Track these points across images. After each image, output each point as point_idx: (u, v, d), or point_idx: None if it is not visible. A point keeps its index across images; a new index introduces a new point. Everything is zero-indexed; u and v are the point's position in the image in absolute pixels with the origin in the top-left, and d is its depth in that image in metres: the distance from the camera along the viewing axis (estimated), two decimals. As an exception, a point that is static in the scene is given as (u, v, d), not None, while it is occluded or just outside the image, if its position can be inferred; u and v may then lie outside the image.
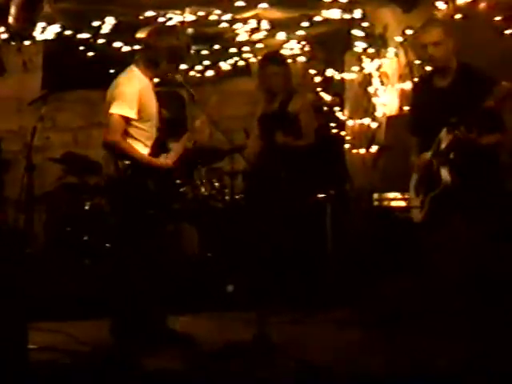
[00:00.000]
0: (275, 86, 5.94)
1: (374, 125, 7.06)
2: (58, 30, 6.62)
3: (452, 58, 4.58)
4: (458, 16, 5.76)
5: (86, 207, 6.42)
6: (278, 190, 5.78)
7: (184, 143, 4.69)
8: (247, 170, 5.42)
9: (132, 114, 4.49)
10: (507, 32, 5.37)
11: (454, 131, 4.28)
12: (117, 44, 6.97)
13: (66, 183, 6.80)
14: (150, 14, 6.35)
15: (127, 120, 4.49)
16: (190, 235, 6.35)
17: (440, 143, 4.38)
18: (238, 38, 7.09)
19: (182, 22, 6.50)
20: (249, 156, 5.92)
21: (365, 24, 6.84)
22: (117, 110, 4.48)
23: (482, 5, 5.63)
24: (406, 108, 6.59)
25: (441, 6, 5.99)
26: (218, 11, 6.44)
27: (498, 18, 5.47)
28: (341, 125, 7.46)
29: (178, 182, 5.88)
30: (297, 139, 5.90)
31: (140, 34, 4.76)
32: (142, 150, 4.55)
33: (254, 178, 5.96)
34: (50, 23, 6.50)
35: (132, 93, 4.50)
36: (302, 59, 7.48)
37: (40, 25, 6.45)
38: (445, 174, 4.37)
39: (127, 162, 4.47)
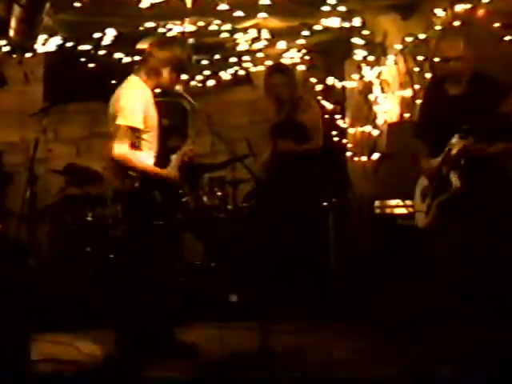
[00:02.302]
0: (282, 95, 6.00)
1: (375, 132, 7.08)
2: (59, 41, 6.64)
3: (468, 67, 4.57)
4: (456, 23, 5.78)
5: (89, 218, 6.43)
6: (284, 198, 5.81)
7: (182, 154, 4.69)
8: (254, 178, 5.45)
9: (139, 124, 4.46)
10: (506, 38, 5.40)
11: (465, 138, 4.28)
12: (118, 55, 6.99)
13: (69, 194, 6.82)
14: (150, 24, 6.37)
15: (134, 131, 4.47)
16: (193, 245, 6.36)
17: (451, 149, 4.38)
18: (239, 48, 7.11)
19: (183, 33, 6.52)
20: (262, 165, 5.98)
21: (364, 32, 6.86)
22: (124, 120, 4.43)
23: (481, 11, 5.66)
24: (407, 115, 6.61)
25: (439, 13, 6.02)
26: (217, 21, 6.46)
27: (496, 25, 5.50)
28: (342, 133, 7.48)
29: (180, 192, 5.90)
30: (306, 144, 5.95)
31: (141, 45, 4.76)
32: (147, 160, 4.55)
33: (261, 187, 5.98)
34: (50, 35, 6.53)
35: (137, 103, 4.47)
36: (302, 68, 7.50)
37: (41, 37, 6.47)
38: (455, 178, 4.36)
39: (135, 174, 4.46)
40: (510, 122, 4.35)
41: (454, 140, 4.37)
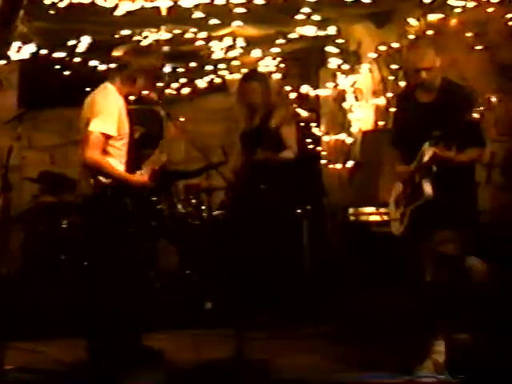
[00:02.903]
0: (256, 102, 6.02)
1: (349, 140, 7.12)
2: (34, 49, 6.62)
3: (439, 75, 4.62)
4: (429, 32, 5.84)
5: (63, 225, 6.40)
6: (258, 206, 5.82)
7: (153, 162, 4.68)
8: (228, 185, 5.45)
9: (113, 131, 4.46)
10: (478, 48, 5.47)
11: (436, 145, 4.32)
12: (93, 62, 6.98)
13: (43, 202, 6.78)
14: (125, 32, 6.37)
15: (107, 137, 4.46)
16: (168, 252, 6.35)
17: (423, 156, 4.42)
18: (214, 56, 7.12)
19: (158, 41, 6.52)
20: (231, 172, 5.99)
21: (339, 40, 6.91)
22: (97, 127, 4.43)
23: (453, 21, 5.73)
24: (381, 123, 6.67)
25: (413, 22, 6.08)
26: (193, 29, 6.47)
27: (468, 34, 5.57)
28: (317, 140, 7.51)
29: (154, 199, 5.90)
30: (279, 153, 5.96)
31: (116, 52, 4.76)
32: (118, 167, 4.54)
33: (235, 194, 5.99)
34: (25, 42, 6.50)
35: (112, 110, 4.47)
36: (277, 76, 7.53)
37: (15, 44, 6.44)
38: (427, 186, 4.39)
39: (106, 180, 4.45)
40: (477, 130, 4.41)
41: (425, 147, 4.41)
